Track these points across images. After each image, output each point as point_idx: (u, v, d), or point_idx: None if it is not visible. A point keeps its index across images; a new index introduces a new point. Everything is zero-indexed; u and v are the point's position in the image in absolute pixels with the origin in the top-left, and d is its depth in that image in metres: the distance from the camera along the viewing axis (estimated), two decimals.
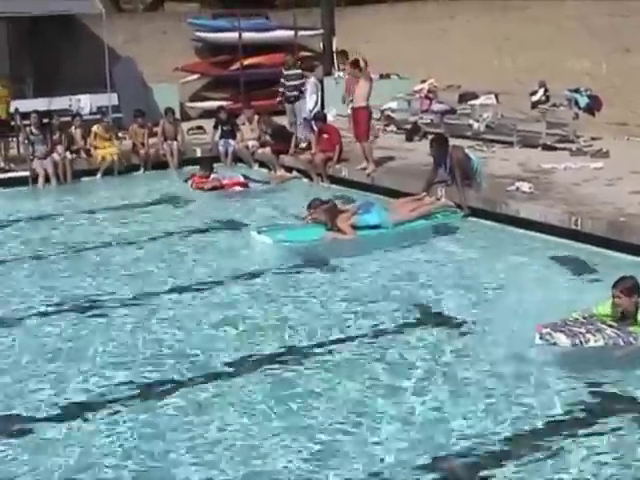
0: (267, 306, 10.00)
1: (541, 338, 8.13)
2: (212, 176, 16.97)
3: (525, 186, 13.49)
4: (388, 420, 7.08)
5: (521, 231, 12.62)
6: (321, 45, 26.44)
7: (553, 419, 7.05)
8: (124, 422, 7.14)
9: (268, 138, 18.67)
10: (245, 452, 6.61)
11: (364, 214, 12.82)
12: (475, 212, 13.46)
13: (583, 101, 17.97)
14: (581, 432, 6.82)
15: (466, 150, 14.57)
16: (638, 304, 8.23)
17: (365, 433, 6.91)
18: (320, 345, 8.76)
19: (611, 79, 18.72)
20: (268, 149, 18.38)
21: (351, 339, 8.91)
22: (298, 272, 11.37)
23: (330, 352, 8.59)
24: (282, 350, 8.64)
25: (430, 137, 15.77)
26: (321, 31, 26.22)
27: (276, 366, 8.22)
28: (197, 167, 17.71)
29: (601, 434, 6.79)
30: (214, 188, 16.57)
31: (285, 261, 11.85)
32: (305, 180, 17.36)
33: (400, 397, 7.51)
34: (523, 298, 9.95)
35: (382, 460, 6.50)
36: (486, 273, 11.01)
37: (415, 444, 6.69)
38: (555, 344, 8.10)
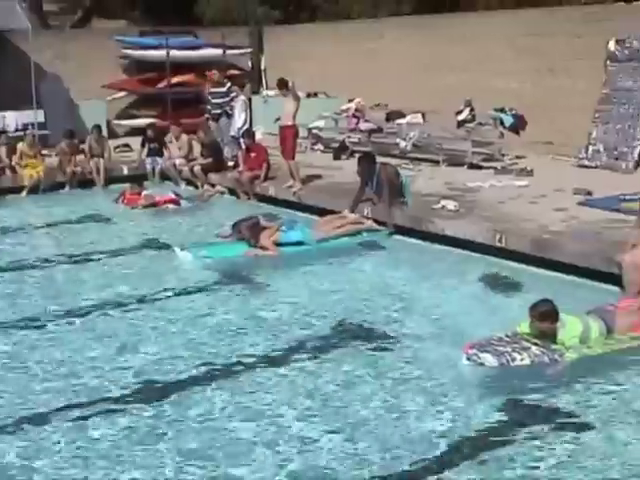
0: (186, 325, 9.89)
1: (468, 359, 8.15)
2: (144, 193, 16.82)
3: (451, 204, 13.56)
4: (316, 436, 7.04)
5: (447, 248, 12.68)
6: (250, 63, 26.41)
7: (474, 435, 7.08)
8: None
9: (198, 154, 18.61)
10: None
11: (287, 231, 12.83)
12: (401, 230, 13.50)
13: (508, 120, 18.23)
14: (504, 448, 6.84)
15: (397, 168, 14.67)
16: (554, 328, 8.32)
17: (291, 450, 6.84)
18: (243, 362, 8.67)
19: (536, 98, 18.94)
20: (197, 167, 18.25)
21: (276, 356, 8.84)
22: (221, 289, 11.33)
23: (255, 368, 8.51)
24: (203, 368, 8.54)
25: (357, 155, 15.81)
26: (249, 49, 26.20)
27: (198, 385, 8.14)
28: (124, 185, 17.56)
29: (518, 447, 6.84)
30: (149, 205, 16.40)
31: (208, 278, 11.74)
32: (232, 197, 17.25)
33: (323, 412, 7.49)
34: (448, 315, 9.99)
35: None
36: (411, 290, 11.03)
37: (342, 459, 6.68)
38: (482, 364, 8.12)
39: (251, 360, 8.72)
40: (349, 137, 20.58)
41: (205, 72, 21.05)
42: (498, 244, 12.02)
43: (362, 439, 6.98)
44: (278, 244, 12.61)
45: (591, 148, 17.89)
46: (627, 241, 10.57)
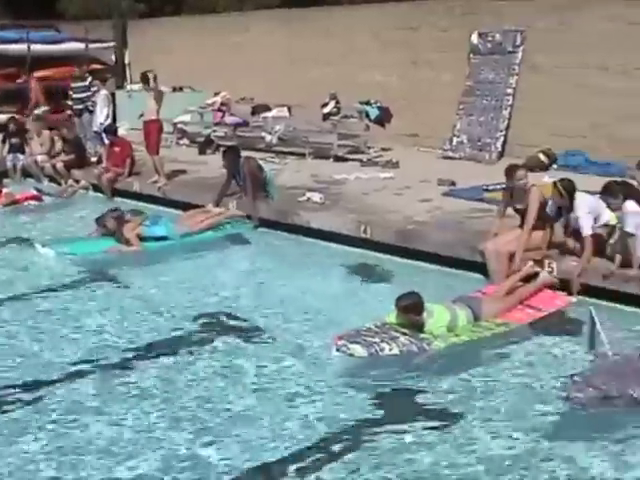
0: (49, 322, 9.62)
1: (338, 350, 8.06)
2: (4, 191, 16.30)
3: (316, 196, 13.53)
4: (181, 428, 6.93)
5: (313, 241, 12.64)
6: (113, 57, 25.97)
7: (343, 426, 7.02)
8: None
9: (60, 151, 18.15)
10: None
11: (151, 226, 12.60)
12: (267, 223, 13.41)
13: (373, 113, 18.31)
14: (369, 439, 6.81)
15: (259, 161, 14.54)
16: (420, 319, 8.34)
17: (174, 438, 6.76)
18: (113, 360, 8.47)
19: (401, 91, 19.07)
20: (60, 163, 17.80)
21: (144, 351, 8.68)
22: (83, 286, 11.04)
23: (125, 367, 8.31)
24: (63, 367, 8.29)
25: (222, 150, 15.65)
26: (113, 43, 25.76)
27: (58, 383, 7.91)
28: None
29: (390, 439, 6.80)
30: (10, 204, 15.88)
31: (70, 275, 11.46)
32: (97, 194, 16.89)
33: (196, 405, 7.37)
34: (316, 307, 9.92)
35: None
36: (277, 283, 10.93)
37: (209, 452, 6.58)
38: (352, 355, 8.05)
39: (116, 359, 8.52)
40: (215, 131, 20.42)
41: (67, 66, 20.59)
42: (363, 235, 12.04)
43: (224, 435, 6.87)
44: (142, 239, 12.36)
45: (455, 140, 18.13)
46: (490, 230, 10.73)
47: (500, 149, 17.51)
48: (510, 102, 17.76)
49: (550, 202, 10.31)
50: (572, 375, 7.26)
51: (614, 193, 9.77)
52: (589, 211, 10.00)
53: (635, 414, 6.93)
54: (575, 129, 16.52)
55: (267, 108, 19.97)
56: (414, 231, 11.69)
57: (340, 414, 7.23)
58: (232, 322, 9.56)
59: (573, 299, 9.68)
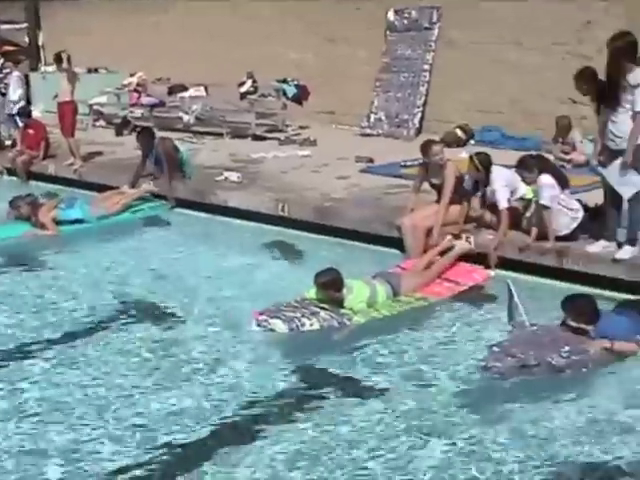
0: None
1: (258, 325, 8.06)
2: None
3: (234, 176, 13.45)
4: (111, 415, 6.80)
5: (231, 220, 12.56)
6: (27, 39, 25.49)
7: (263, 402, 7.00)
8: None
9: None
10: None
11: (66, 209, 12.42)
12: (184, 203, 13.29)
13: (291, 91, 18.28)
14: (290, 414, 6.81)
15: (175, 141, 14.40)
16: (339, 296, 8.35)
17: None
18: (28, 346, 8.30)
19: (318, 69, 19.03)
20: None
21: (61, 335, 8.51)
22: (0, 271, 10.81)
23: (40, 351, 8.13)
24: None
25: (137, 131, 15.48)
26: (25, 25, 25.29)
27: None
28: None
29: (312, 412, 6.80)
30: None
31: None
32: (11, 178, 16.57)
33: (116, 391, 7.24)
34: (235, 284, 9.87)
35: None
36: (195, 262, 10.84)
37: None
38: (272, 330, 8.03)
39: (31, 344, 8.34)
40: (131, 112, 20.17)
41: None
42: (281, 213, 12.02)
43: (144, 408, 6.87)
44: (58, 222, 12.17)
45: (373, 117, 18.16)
46: (406, 205, 10.75)
47: (417, 125, 17.58)
48: (427, 78, 17.83)
49: (467, 176, 10.36)
50: (490, 345, 7.31)
51: (529, 167, 9.82)
52: (505, 184, 10.07)
53: (553, 380, 7.02)
54: (491, 105, 16.65)
55: (184, 88, 19.84)
56: (332, 208, 11.68)
57: (261, 390, 7.19)
58: (151, 303, 9.44)
59: (491, 272, 9.79)
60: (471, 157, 10.32)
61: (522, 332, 7.51)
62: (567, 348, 7.14)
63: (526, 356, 6.97)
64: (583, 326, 7.39)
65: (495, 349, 7.15)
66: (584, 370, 7.20)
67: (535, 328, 7.57)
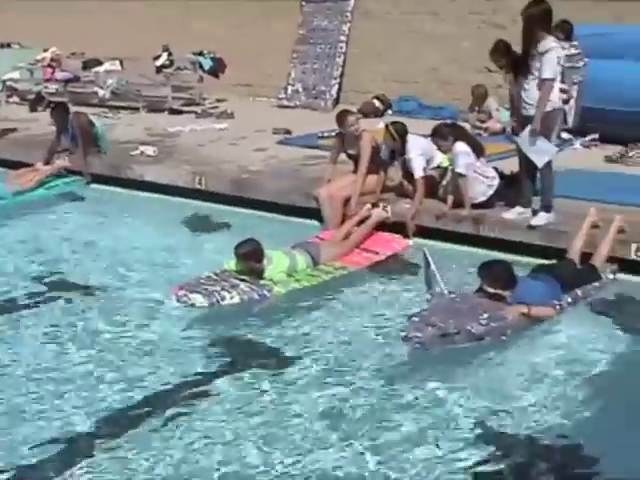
0: None
1: (178, 301, 7.96)
2: None
3: (150, 150, 13.31)
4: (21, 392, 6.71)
5: (147, 194, 12.43)
6: None
7: (186, 376, 6.94)
8: None
9: None
10: None
11: None
12: (100, 178, 13.10)
13: (207, 64, 18.14)
14: (213, 387, 6.75)
15: (90, 116, 14.20)
16: (260, 266, 8.32)
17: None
18: None
19: (234, 41, 18.86)
20: None
21: None
22: None
23: None
24: None
25: (51, 106, 15.24)
26: None
27: None
28: None
29: (232, 385, 6.77)
30: None
31: None
32: None
33: (29, 366, 7.13)
34: (155, 260, 9.75)
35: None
36: (113, 238, 10.66)
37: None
38: (193, 305, 7.96)
39: None
40: (46, 88, 19.77)
41: None
42: (198, 187, 11.93)
43: (63, 384, 6.77)
44: None
45: (290, 88, 18.14)
46: (323, 176, 10.73)
47: (335, 96, 17.59)
48: (344, 49, 17.83)
49: (383, 146, 10.37)
50: (410, 315, 7.32)
51: (444, 135, 9.87)
52: (421, 153, 10.11)
53: (474, 348, 7.07)
54: (408, 75, 16.72)
55: (98, 62, 19.51)
56: (249, 180, 11.64)
57: (183, 365, 7.13)
58: (69, 280, 9.26)
59: (409, 241, 9.85)
60: (387, 126, 10.34)
61: (440, 301, 7.53)
62: (486, 315, 7.19)
63: (446, 325, 7.00)
64: (500, 292, 7.47)
65: (415, 319, 7.15)
66: (503, 337, 7.26)
67: (453, 296, 7.61)
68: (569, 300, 7.86)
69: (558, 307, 7.70)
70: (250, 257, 8.29)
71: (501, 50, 9.37)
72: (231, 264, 8.46)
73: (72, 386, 6.76)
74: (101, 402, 6.50)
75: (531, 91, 8.96)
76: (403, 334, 6.98)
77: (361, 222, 9.84)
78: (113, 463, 5.67)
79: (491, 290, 7.47)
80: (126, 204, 12.27)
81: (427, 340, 6.88)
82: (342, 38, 17.81)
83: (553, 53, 8.85)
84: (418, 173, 9.96)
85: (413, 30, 16.66)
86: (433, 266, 7.64)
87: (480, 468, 5.55)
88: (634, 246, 8.70)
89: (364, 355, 7.24)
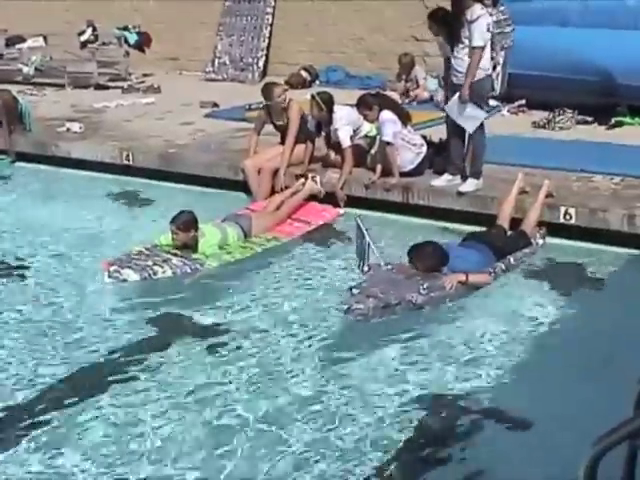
0: None
1: (110, 276, 7.85)
2: None
3: (75, 126, 13.13)
4: None
5: (74, 171, 12.26)
6: None
7: (121, 351, 6.89)
8: None
9: None
10: None
11: None
12: (25, 156, 12.90)
13: (132, 38, 17.94)
14: (148, 361, 6.69)
15: (14, 94, 13.96)
16: (196, 237, 8.25)
17: None
18: None
19: (160, 14, 18.70)
20: None
21: None
22: None
23: None
24: None
25: None
26: None
27: None
28: None
29: (165, 360, 6.73)
30: None
31: None
32: None
33: None
34: (84, 237, 9.62)
35: None
36: (41, 217, 10.50)
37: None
38: (125, 280, 7.86)
39: None
40: None
41: None
42: (126, 162, 11.82)
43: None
44: None
45: (217, 61, 18.00)
46: (249, 147, 10.66)
47: (262, 68, 17.50)
48: (270, 21, 17.70)
49: (310, 117, 10.33)
50: (350, 288, 7.24)
51: (369, 105, 9.84)
52: (348, 123, 10.10)
53: (412, 317, 7.09)
54: (335, 45, 16.67)
55: (22, 39, 19.19)
56: (176, 154, 11.56)
57: (117, 340, 7.08)
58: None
59: (340, 211, 9.83)
60: (313, 96, 10.30)
61: (378, 271, 7.49)
62: (426, 285, 7.20)
63: (387, 296, 6.97)
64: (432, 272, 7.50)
65: (355, 291, 7.10)
66: (442, 305, 7.31)
67: (390, 267, 7.58)
68: (502, 267, 7.92)
69: (493, 274, 7.76)
70: (189, 227, 8.21)
71: (437, 17, 9.30)
72: (162, 239, 8.40)
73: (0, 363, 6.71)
74: (32, 378, 6.45)
75: (461, 59, 8.97)
76: (345, 307, 6.92)
77: (293, 194, 9.81)
78: (40, 441, 5.62)
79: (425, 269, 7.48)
80: (53, 182, 12.09)
81: (370, 312, 6.83)
82: (268, 10, 17.68)
83: (482, 20, 8.86)
84: (346, 143, 9.95)
85: (338, 0, 16.60)
86: (367, 236, 7.55)
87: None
88: (562, 210, 8.78)
89: (298, 324, 7.23)
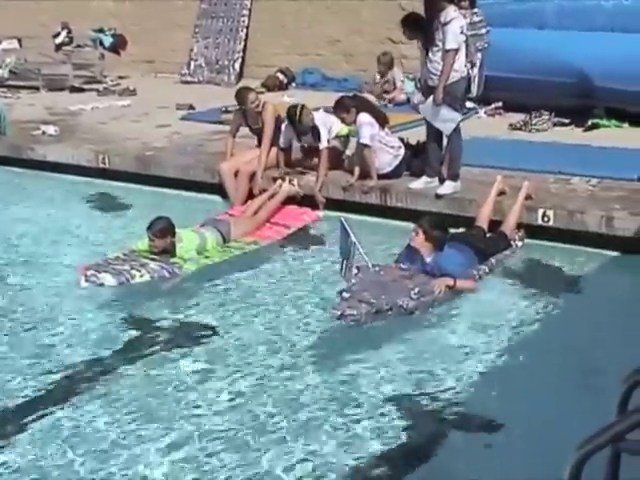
0: None
1: (87, 280, 7.79)
2: None
3: (51, 129, 13.08)
4: None
5: (50, 175, 12.18)
6: None
7: (97, 357, 6.82)
8: None
9: None
10: None
11: None
12: (0, 160, 12.80)
13: (108, 40, 17.95)
14: (124, 367, 6.65)
15: None
16: (174, 243, 8.23)
17: None
18: None
19: (135, 17, 18.65)
20: None
21: None
22: None
23: None
24: None
25: None
26: None
27: None
28: None
29: (143, 363, 6.69)
30: None
31: None
32: None
33: None
34: (60, 242, 9.56)
35: None
36: (18, 221, 10.37)
37: None
38: (102, 285, 7.81)
39: None
40: None
41: None
42: (102, 165, 11.77)
43: None
44: None
45: (193, 64, 17.98)
46: (226, 150, 10.65)
47: (238, 71, 17.46)
48: (246, 23, 17.67)
49: (286, 122, 10.26)
50: (340, 291, 7.16)
51: (346, 107, 9.83)
52: (322, 125, 10.06)
53: (401, 321, 7.09)
54: (311, 47, 16.64)
55: None
56: (153, 157, 11.53)
57: (93, 345, 7.02)
58: None
59: (320, 214, 9.82)
60: (303, 106, 10.19)
61: (367, 274, 7.43)
62: (417, 290, 7.19)
63: (379, 301, 6.93)
64: (433, 237, 7.62)
65: (345, 295, 7.01)
66: (430, 309, 7.31)
67: (377, 269, 7.56)
68: (486, 270, 7.96)
69: (477, 277, 7.79)
70: (166, 233, 8.18)
71: (410, 22, 9.29)
72: (139, 244, 8.36)
73: None
74: (7, 383, 6.40)
75: (436, 62, 8.97)
76: (336, 312, 6.79)
77: (271, 197, 9.78)
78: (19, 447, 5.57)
79: (428, 233, 7.59)
80: (28, 186, 12.00)
81: (362, 317, 6.77)
82: (244, 12, 17.65)
83: (455, 23, 8.85)
84: (322, 145, 9.92)
85: (314, 1, 16.59)
86: (352, 236, 7.44)
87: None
88: (540, 212, 8.79)
89: (279, 329, 7.20)
